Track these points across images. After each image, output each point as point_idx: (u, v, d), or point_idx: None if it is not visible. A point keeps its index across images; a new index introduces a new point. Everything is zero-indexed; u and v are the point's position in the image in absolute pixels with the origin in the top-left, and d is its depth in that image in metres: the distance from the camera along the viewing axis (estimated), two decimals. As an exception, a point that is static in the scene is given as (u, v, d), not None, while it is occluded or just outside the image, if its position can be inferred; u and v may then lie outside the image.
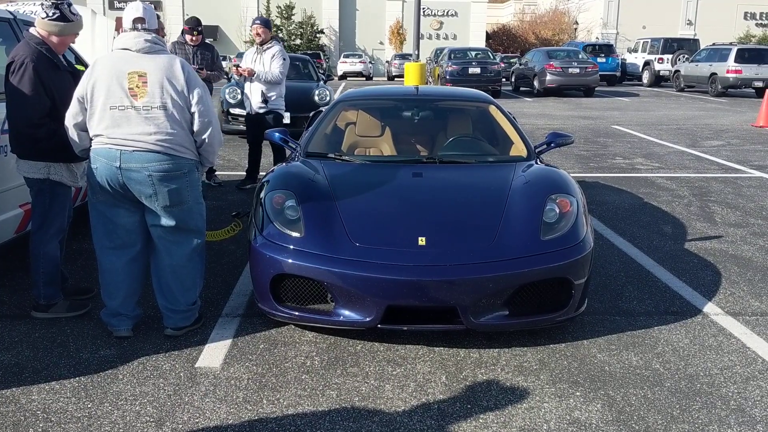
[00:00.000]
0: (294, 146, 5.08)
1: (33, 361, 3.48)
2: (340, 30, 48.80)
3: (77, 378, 3.32)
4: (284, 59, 7.22)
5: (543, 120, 15.57)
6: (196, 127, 3.61)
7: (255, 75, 7.17)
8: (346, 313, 3.59)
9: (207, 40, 7.97)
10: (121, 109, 3.49)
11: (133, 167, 3.49)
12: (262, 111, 7.33)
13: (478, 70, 22.22)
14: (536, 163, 4.77)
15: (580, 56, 23.92)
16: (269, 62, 7.16)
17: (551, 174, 4.44)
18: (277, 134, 5.15)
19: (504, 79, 27.06)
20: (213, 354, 3.60)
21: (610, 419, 3.03)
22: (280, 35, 44.23)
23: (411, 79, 18.26)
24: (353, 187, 4.21)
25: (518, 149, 4.99)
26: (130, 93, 3.49)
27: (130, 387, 3.24)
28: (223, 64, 8.46)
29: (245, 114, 7.57)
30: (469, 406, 3.12)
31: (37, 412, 3.02)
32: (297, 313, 3.71)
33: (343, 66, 37.91)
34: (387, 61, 43.83)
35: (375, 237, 3.72)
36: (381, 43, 49.37)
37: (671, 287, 4.69)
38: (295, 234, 3.75)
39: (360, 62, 38.11)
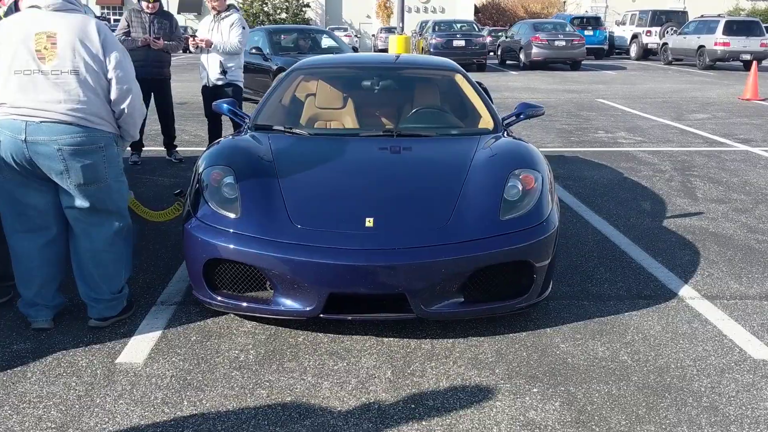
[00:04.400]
0: (244, 118, 4.71)
1: (-66, 358, 3.14)
2: (327, 3, 47.95)
3: (-21, 377, 2.98)
4: (243, 28, 6.81)
5: (527, 93, 15.19)
6: (113, 96, 3.25)
7: (212, 45, 6.76)
8: (286, 301, 3.26)
9: (191, 16, 7.52)
10: (26, 74, 3.12)
11: (40, 140, 3.12)
12: (220, 83, 6.93)
13: (462, 43, 21.75)
14: (504, 135, 4.42)
15: (567, 29, 23.48)
16: (227, 31, 6.75)
17: (516, 148, 4.10)
18: (225, 105, 4.78)
19: (492, 53, 26.62)
20: (138, 348, 3.26)
21: (569, 420, 2.72)
22: (265, 9, 43.37)
23: (396, 52, 17.79)
24: (300, 163, 3.86)
25: (485, 121, 4.64)
26: (38, 56, 3.11)
27: (38, 387, 2.90)
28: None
29: (202, 86, 7.15)
30: (413, 406, 2.81)
31: (-74, 418, 2.68)
32: (233, 302, 3.37)
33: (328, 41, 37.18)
34: (373, 35, 43.15)
35: (318, 218, 3.38)
36: (368, 16, 48.57)
37: (645, 268, 4.38)
38: (230, 215, 3.41)
39: (346, 36, 37.43)
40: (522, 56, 22.96)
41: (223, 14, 6.83)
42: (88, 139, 3.19)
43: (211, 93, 7.08)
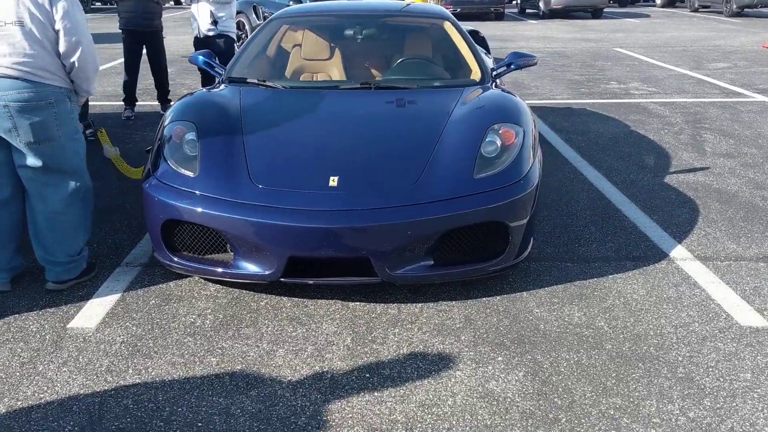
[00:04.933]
0: (220, 72, 4.51)
1: None
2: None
3: (-75, 342, 2.89)
4: (234, -25, 6.56)
5: (542, 43, 14.72)
6: (61, 48, 3.07)
7: (202, -6, 6.53)
8: (246, 264, 3.11)
9: None
10: (-32, 27, 2.95)
11: (-15, 97, 2.97)
12: (211, 34, 6.72)
13: (480, -9, 21.07)
14: (492, 87, 4.18)
15: (589, -25, 22.59)
16: (217, -21, 6.50)
17: (499, 100, 3.87)
18: (200, 58, 4.58)
19: (512, 1, 25.88)
20: (93, 312, 3.15)
21: (531, 392, 2.56)
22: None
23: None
24: (268, 119, 3.67)
25: (472, 72, 4.39)
26: (-21, 8, 2.94)
27: (-19, 353, 2.81)
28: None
29: (194, 38, 6.94)
30: (367, 375, 2.67)
31: None
32: (192, 264, 3.23)
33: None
34: (392, -16, 42.18)
35: (280, 177, 3.20)
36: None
37: (639, 227, 4.16)
38: (189, 173, 3.25)
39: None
40: (541, 4, 22.22)
41: (213, -39, 6.58)
42: (36, 95, 3.03)
43: (202, 44, 6.87)
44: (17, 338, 2.92)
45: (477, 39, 6.01)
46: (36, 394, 2.54)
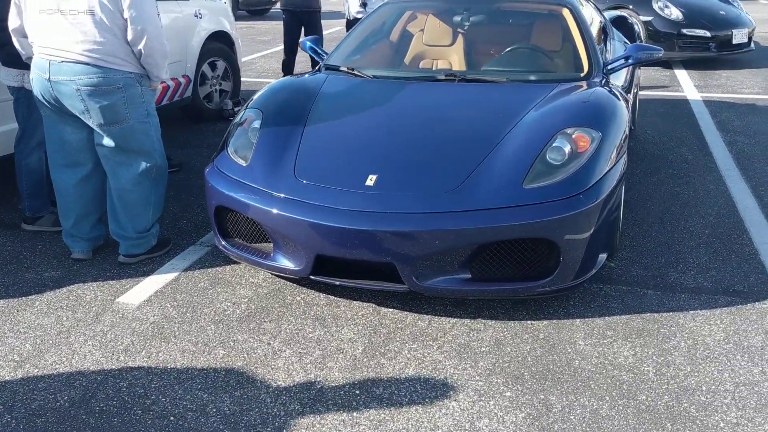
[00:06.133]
0: (323, 57, 4.50)
1: (-24, 278, 3.44)
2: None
3: (-4, 301, 3.21)
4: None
5: (765, 27, 13.05)
6: (129, 37, 3.21)
7: (350, -25, 6.58)
8: (281, 258, 3.10)
9: None
10: (49, 13, 3.20)
11: (61, 80, 3.20)
12: (360, 16, 6.75)
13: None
14: (601, 84, 3.75)
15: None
16: (364, -40, 6.51)
17: (583, 99, 3.46)
18: (308, 43, 4.60)
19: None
20: (144, 288, 3.31)
21: (521, 438, 2.28)
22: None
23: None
24: (334, 111, 3.60)
25: (579, 65, 3.97)
26: (58, -5, 3.16)
27: (33, 318, 3.06)
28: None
29: (345, 20, 7.03)
30: (357, 392, 2.53)
31: (-67, 334, 2.95)
32: (236, 251, 3.27)
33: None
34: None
35: (323, 173, 3.13)
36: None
37: (760, 256, 3.55)
38: (241, 162, 3.29)
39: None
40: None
41: (361, -58, 6.59)
42: (105, 80, 3.21)
43: (353, 27, 6.95)
44: (69, 306, 3.15)
45: (623, 26, 5.45)
46: (54, 364, 2.72)
